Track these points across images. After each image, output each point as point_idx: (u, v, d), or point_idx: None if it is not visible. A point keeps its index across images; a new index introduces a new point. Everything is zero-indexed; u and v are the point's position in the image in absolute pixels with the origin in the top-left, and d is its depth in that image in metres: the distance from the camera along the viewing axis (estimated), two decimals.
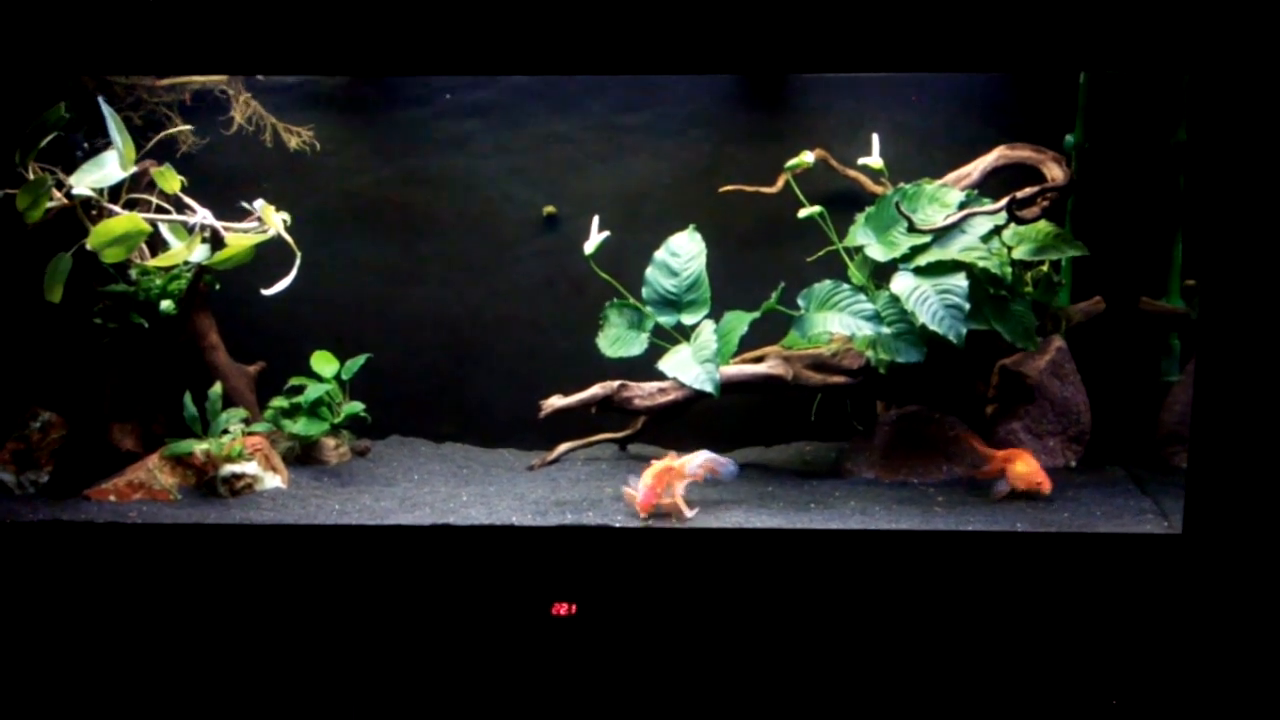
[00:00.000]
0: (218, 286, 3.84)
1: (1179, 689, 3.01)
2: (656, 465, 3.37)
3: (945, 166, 3.88)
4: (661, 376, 3.61)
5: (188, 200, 3.64)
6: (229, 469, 3.56)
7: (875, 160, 3.85)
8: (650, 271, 3.78)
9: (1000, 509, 3.38)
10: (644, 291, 3.78)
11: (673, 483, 3.34)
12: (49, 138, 3.44)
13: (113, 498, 3.48)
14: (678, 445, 4.12)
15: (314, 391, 3.89)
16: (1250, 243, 2.86)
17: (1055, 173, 3.75)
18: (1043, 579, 3.10)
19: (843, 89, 4.00)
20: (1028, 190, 3.67)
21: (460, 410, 4.20)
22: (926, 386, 3.82)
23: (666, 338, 3.75)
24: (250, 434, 3.68)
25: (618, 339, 3.78)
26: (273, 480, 3.64)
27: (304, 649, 3.12)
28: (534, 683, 3.10)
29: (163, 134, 3.81)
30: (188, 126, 3.92)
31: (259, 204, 3.66)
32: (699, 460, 3.42)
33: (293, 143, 3.99)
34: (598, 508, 3.42)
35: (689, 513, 3.31)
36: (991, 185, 3.80)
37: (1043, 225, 3.74)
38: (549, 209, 4.09)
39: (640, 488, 3.30)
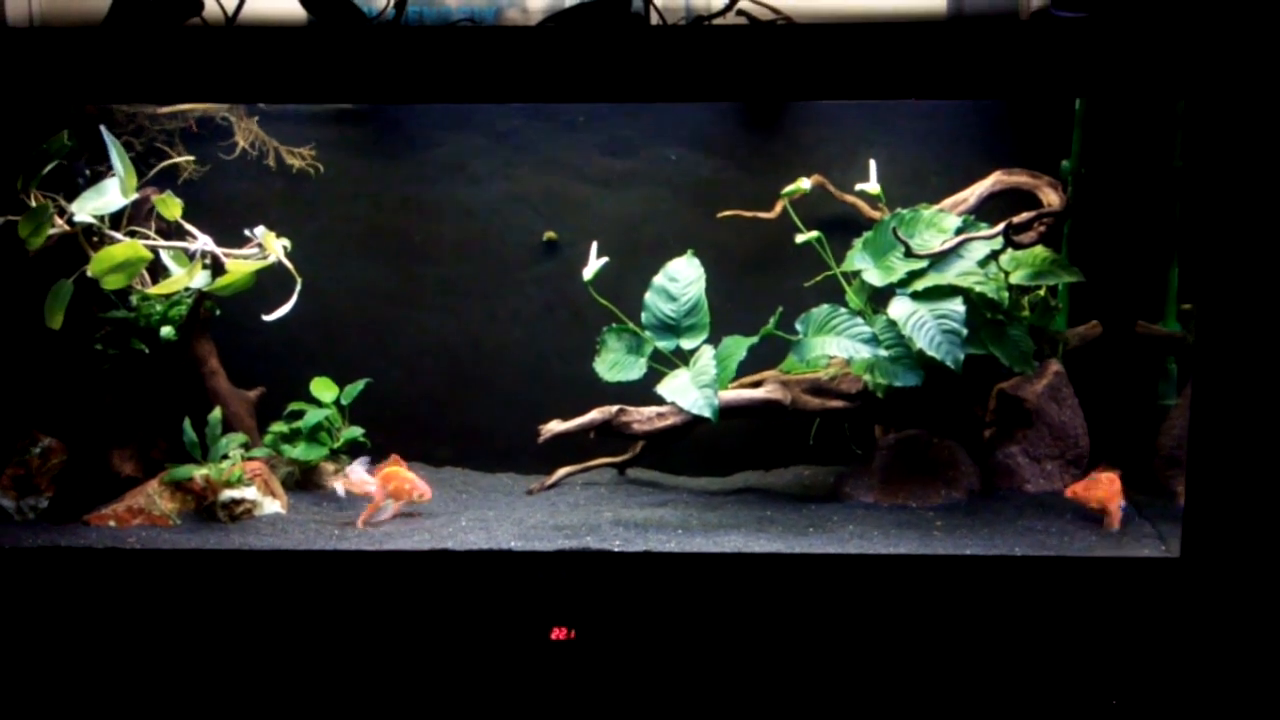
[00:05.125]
0: (218, 312, 3.85)
1: (1176, 713, 3.00)
2: (386, 469, 3.60)
3: (942, 192, 3.89)
4: (660, 401, 3.62)
5: (188, 226, 3.66)
6: (228, 494, 3.56)
7: (873, 186, 3.87)
8: (649, 296, 3.79)
9: (999, 533, 3.38)
10: (643, 316, 3.79)
11: (393, 491, 3.56)
12: (51, 165, 3.47)
13: (112, 523, 3.49)
14: (674, 470, 4.14)
15: (313, 417, 3.89)
16: (1246, 267, 2.87)
17: (1051, 198, 3.77)
18: (1041, 603, 3.10)
19: (841, 116, 4.02)
20: (1024, 215, 3.69)
21: (459, 435, 4.20)
22: (924, 410, 3.83)
23: (665, 362, 3.76)
24: (250, 459, 3.69)
25: (616, 363, 3.79)
26: (272, 505, 3.64)
27: (303, 674, 3.12)
28: (532, 708, 3.09)
29: (164, 163, 3.83)
30: (190, 158, 3.93)
31: (260, 230, 3.69)
32: (421, 490, 3.62)
33: (295, 164, 4.00)
34: (596, 532, 3.42)
35: (387, 515, 3.55)
36: (988, 210, 3.81)
37: (1039, 250, 3.76)
38: (549, 235, 4.11)
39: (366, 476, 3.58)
